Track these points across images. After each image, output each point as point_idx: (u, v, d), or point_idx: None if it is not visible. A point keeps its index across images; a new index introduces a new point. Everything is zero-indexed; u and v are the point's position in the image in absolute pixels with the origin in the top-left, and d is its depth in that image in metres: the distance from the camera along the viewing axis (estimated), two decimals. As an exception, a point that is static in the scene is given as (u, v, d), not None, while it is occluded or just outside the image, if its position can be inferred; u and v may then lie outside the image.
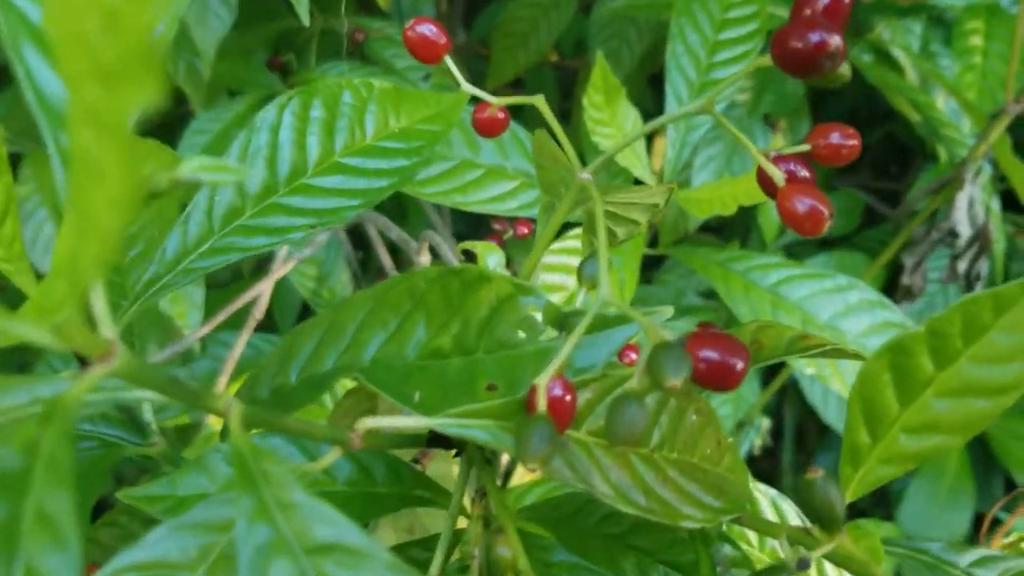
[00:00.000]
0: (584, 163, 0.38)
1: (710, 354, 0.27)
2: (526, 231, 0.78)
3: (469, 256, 0.53)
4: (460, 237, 1.01)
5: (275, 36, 1.12)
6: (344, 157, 0.47)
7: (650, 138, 1.11)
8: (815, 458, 1.43)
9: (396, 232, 0.85)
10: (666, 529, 0.39)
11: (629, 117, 0.82)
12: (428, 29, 0.37)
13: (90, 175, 0.16)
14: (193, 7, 0.87)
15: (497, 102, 0.37)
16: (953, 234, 0.94)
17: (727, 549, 0.38)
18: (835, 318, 0.81)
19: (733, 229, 1.42)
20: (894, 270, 1.28)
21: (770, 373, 1.29)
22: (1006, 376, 0.30)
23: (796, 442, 1.46)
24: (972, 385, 0.31)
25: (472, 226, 1.44)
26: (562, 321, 0.34)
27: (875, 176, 1.75)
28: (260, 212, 0.43)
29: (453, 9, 1.36)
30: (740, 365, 0.28)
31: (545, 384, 0.29)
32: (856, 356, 0.40)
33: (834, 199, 1.55)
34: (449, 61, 0.37)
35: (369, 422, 0.30)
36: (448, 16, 1.33)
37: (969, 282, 0.95)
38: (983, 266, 0.93)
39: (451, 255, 0.79)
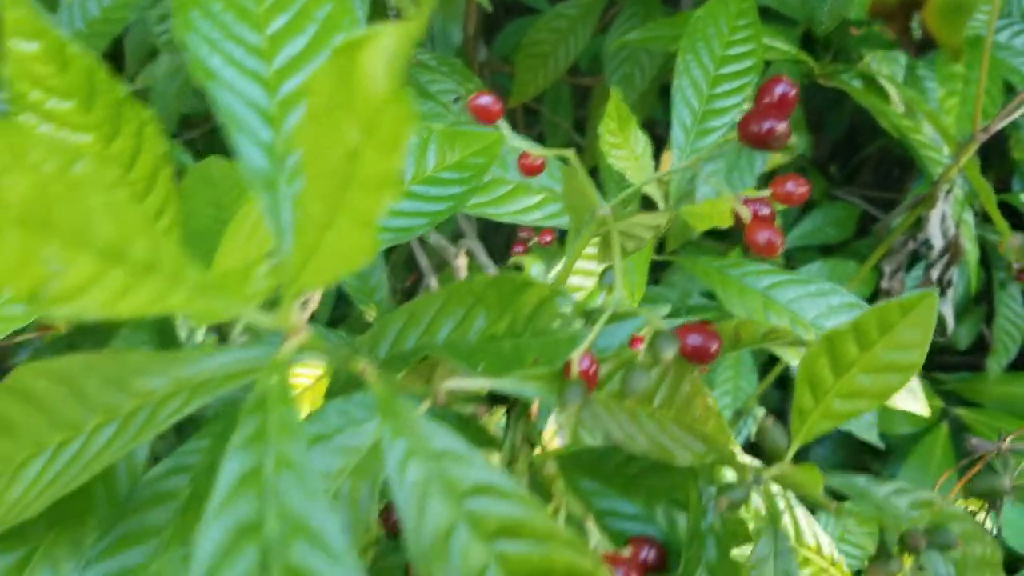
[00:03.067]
0: (598, 179, 0.50)
1: (694, 339, 0.40)
2: (549, 239, 0.90)
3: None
4: (484, 239, 1.13)
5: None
6: (413, 185, 0.60)
7: (658, 149, 1.23)
8: (809, 444, 1.55)
9: (435, 237, 0.98)
10: (668, 472, 0.51)
11: (640, 142, 0.94)
12: (487, 100, 0.49)
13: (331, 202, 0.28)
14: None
15: (536, 153, 0.49)
16: (928, 245, 1.06)
17: (712, 490, 0.50)
18: (819, 318, 0.93)
19: (735, 235, 1.54)
20: (881, 275, 1.40)
21: (767, 368, 1.41)
22: (908, 359, 0.43)
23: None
24: (885, 365, 0.43)
25: (493, 230, 1.57)
26: (587, 315, 0.46)
27: (875, 184, 1.87)
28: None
29: (476, 30, 1.48)
30: (715, 347, 0.40)
31: (577, 358, 0.41)
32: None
33: (831, 209, 1.67)
34: (503, 123, 0.50)
35: (451, 383, 0.43)
36: (473, 37, 1.45)
37: (942, 287, 1.07)
38: (953, 273, 1.05)
39: (484, 257, 0.91)
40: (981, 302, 1.71)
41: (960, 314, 1.67)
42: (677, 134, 0.94)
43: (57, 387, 0.40)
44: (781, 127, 0.40)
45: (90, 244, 0.28)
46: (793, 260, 1.62)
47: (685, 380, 0.48)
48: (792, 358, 0.93)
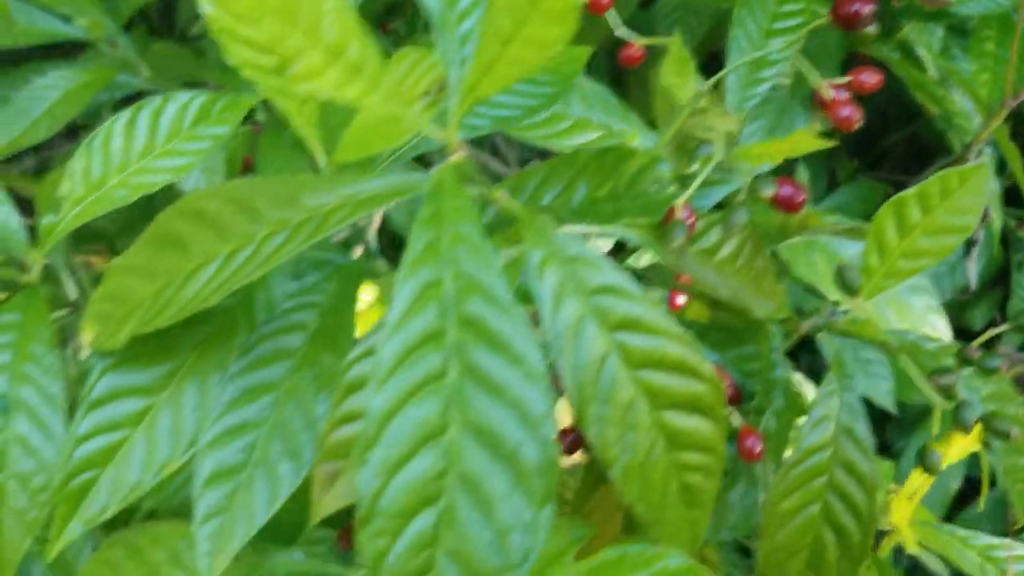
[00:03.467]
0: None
1: (786, 189, 0.46)
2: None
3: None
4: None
5: (385, 4, 1.30)
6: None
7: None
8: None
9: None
10: (735, 339, 0.57)
11: (697, 85, 1.00)
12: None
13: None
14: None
15: (640, 43, 0.55)
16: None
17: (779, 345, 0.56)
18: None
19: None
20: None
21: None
22: (964, 222, 0.49)
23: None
24: (943, 227, 0.49)
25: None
26: (681, 181, 0.52)
27: (901, 171, 1.92)
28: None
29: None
30: (801, 198, 0.46)
31: (679, 206, 0.47)
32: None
33: (857, 187, 1.73)
34: (612, 14, 0.56)
35: (565, 230, 0.49)
36: None
37: (968, 247, 1.13)
38: (979, 233, 1.11)
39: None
40: (997, 285, 1.76)
41: (976, 297, 1.72)
42: (731, 79, 1.01)
43: (227, 205, 0.46)
44: (867, 8, 0.46)
45: (320, 41, 0.34)
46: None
47: (759, 255, 0.54)
48: (804, 272, 0.99)
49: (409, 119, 0.39)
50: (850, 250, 0.98)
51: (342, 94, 0.35)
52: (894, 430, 1.75)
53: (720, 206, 0.57)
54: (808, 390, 0.77)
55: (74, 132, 1.33)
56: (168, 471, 0.48)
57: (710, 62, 1.52)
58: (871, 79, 0.51)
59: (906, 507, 0.79)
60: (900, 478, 1.52)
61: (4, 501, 0.53)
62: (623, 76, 1.79)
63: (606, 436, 0.39)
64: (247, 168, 1.21)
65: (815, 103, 0.51)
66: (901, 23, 1.27)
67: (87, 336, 0.50)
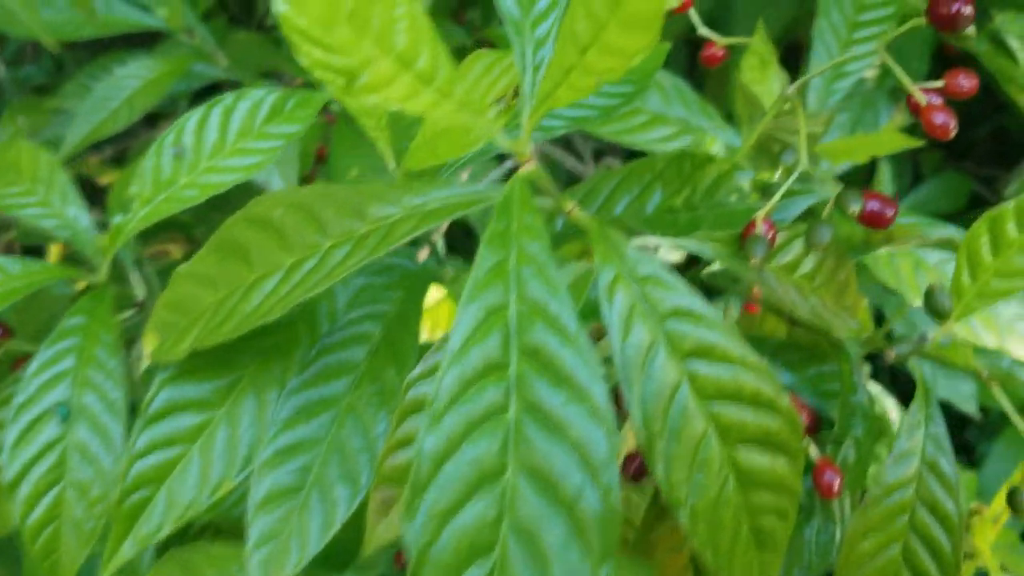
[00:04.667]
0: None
1: (873, 204, 0.44)
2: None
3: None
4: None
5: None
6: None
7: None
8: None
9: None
10: (807, 351, 0.55)
11: (779, 79, 0.97)
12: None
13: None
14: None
15: (721, 42, 0.53)
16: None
17: (862, 369, 0.53)
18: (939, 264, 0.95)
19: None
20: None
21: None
22: (1065, 243, 0.46)
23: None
24: (1043, 247, 0.46)
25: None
26: (762, 190, 0.50)
27: (988, 163, 1.86)
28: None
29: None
30: (890, 213, 0.43)
31: (760, 220, 0.45)
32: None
33: (943, 180, 1.67)
34: (693, 12, 0.54)
35: (636, 242, 0.47)
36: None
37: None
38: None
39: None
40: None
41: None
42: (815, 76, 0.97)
43: (293, 214, 0.45)
44: (968, 9, 0.43)
45: (391, 49, 0.32)
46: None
47: (841, 268, 0.51)
48: (889, 279, 0.95)
49: (480, 128, 0.37)
50: (935, 258, 0.94)
51: (411, 105, 0.34)
52: (975, 432, 1.69)
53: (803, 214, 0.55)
54: (887, 403, 0.74)
55: (152, 120, 1.34)
56: (223, 491, 0.48)
57: (788, 53, 1.48)
58: (967, 83, 0.47)
59: (990, 531, 0.76)
60: (983, 488, 1.47)
61: (63, 511, 0.53)
62: (698, 67, 1.75)
63: (674, 476, 0.37)
64: (320, 158, 1.21)
65: (904, 100, 0.48)
66: (991, 13, 1.22)
67: (149, 346, 0.49)
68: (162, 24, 1.20)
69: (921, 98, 0.46)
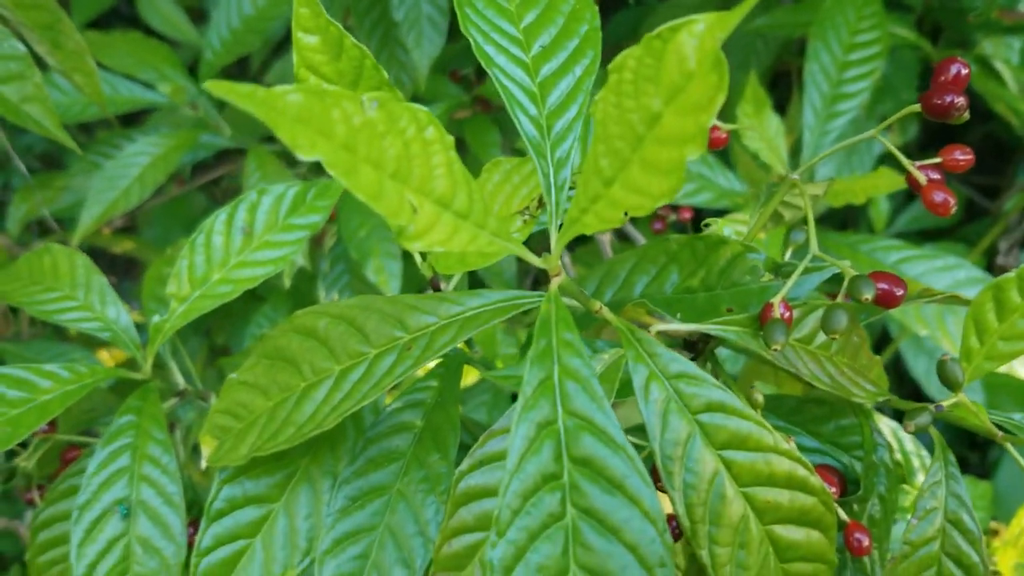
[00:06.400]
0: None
1: (883, 284, 0.46)
2: (687, 216, 0.96)
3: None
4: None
5: (455, 51, 1.32)
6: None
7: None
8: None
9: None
10: (828, 415, 0.57)
11: (772, 123, 1.00)
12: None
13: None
14: (411, 33, 1.08)
15: (725, 128, 0.56)
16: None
17: (883, 428, 0.56)
18: (947, 289, 0.98)
19: (834, 220, 1.58)
20: (990, 257, 1.43)
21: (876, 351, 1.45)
22: (1068, 306, 0.49)
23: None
24: (1045, 312, 0.49)
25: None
26: (775, 269, 0.52)
27: (975, 172, 1.89)
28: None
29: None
30: (900, 292, 0.46)
31: (778, 303, 0.48)
32: (966, 301, 0.58)
33: (937, 193, 1.70)
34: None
35: (659, 327, 0.50)
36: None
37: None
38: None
39: (633, 231, 0.98)
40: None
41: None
42: (808, 116, 1.00)
43: (337, 325, 0.48)
44: (960, 100, 0.46)
45: (431, 193, 0.35)
46: (899, 243, 1.66)
47: (855, 332, 0.54)
48: (920, 328, 0.99)
49: (509, 248, 0.40)
50: (942, 282, 0.97)
51: (453, 244, 0.37)
52: (985, 440, 1.72)
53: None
54: (903, 435, 0.76)
55: (159, 188, 1.36)
56: (285, 581, 0.50)
57: (776, 82, 1.51)
58: (963, 158, 0.50)
59: (1011, 553, 0.78)
60: (999, 482, 1.49)
61: (130, 603, 0.56)
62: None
63: (719, 557, 0.40)
64: (330, 218, 1.24)
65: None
66: (978, 37, 1.26)
67: (206, 449, 0.52)
68: (166, 100, 1.23)
69: (921, 177, 0.49)
